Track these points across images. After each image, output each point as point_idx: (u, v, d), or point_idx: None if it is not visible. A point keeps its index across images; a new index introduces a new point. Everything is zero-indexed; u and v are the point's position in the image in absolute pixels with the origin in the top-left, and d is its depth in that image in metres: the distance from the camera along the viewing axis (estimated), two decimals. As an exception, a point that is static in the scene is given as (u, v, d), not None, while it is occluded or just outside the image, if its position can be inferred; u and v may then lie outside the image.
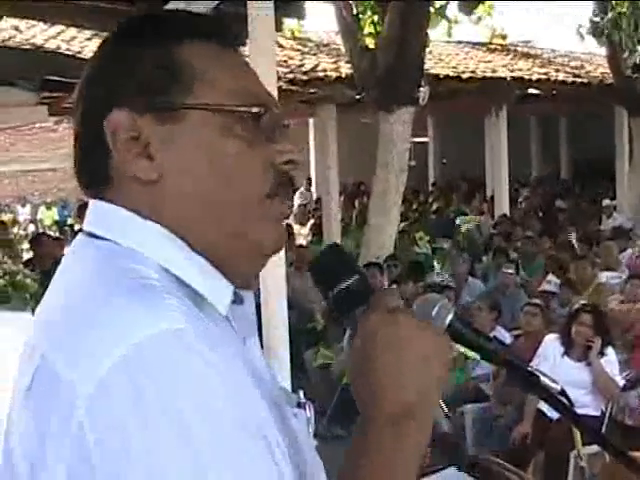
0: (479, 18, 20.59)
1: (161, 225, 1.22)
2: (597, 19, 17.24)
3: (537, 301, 9.10)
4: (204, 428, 1.05)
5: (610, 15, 16.61)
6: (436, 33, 16.71)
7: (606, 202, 19.80)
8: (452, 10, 16.20)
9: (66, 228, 23.46)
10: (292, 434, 1.26)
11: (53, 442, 1.06)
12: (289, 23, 15.52)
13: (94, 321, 1.09)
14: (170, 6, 7.55)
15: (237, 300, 1.29)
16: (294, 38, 18.94)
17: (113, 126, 1.22)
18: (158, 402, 1.04)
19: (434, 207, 22.31)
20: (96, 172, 1.26)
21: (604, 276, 10.89)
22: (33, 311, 7.90)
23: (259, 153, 1.25)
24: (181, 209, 1.22)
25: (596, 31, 17.07)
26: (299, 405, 1.37)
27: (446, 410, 1.33)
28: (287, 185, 1.30)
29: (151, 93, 1.23)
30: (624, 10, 16.54)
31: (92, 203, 1.30)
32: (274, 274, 6.01)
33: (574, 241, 12.13)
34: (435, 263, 13.14)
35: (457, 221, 18.64)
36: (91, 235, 1.26)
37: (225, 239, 1.24)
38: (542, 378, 1.37)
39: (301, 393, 1.41)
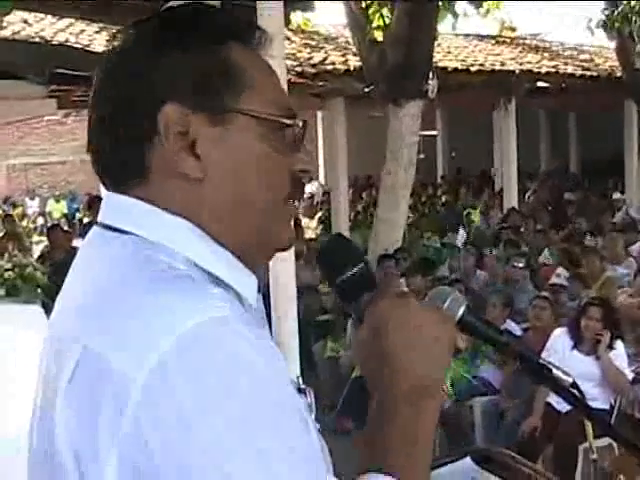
0: (487, 11, 20.51)
1: (189, 221, 1.25)
2: (607, 13, 17.19)
3: (546, 294, 9.09)
4: (263, 411, 1.08)
5: (620, 9, 16.56)
6: (444, 26, 16.64)
7: (616, 195, 19.76)
8: (461, 3, 16.15)
9: (75, 221, 23.49)
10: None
11: (105, 430, 1.07)
12: (297, 17, 15.51)
13: (140, 309, 1.12)
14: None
15: (259, 289, 1.34)
16: (302, 32, 18.92)
17: (166, 119, 1.23)
18: (217, 387, 1.06)
19: (443, 200, 22.31)
20: (131, 164, 1.26)
21: (613, 270, 10.87)
22: (43, 304, 7.92)
23: (284, 160, 1.32)
24: (217, 208, 1.26)
25: (607, 25, 17.02)
26: (299, 391, 1.39)
27: (445, 388, 1.38)
28: (300, 190, 1.40)
29: (205, 93, 1.25)
30: (634, 3, 16.49)
31: (108, 196, 1.32)
32: (283, 267, 6.03)
33: (592, 243, 12.02)
34: (445, 257, 13.09)
35: (465, 213, 18.64)
36: (110, 228, 1.27)
37: (250, 235, 1.30)
38: (554, 370, 1.37)
39: (300, 379, 1.44)
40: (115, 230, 1.26)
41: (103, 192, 1.36)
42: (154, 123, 1.23)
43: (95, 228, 1.32)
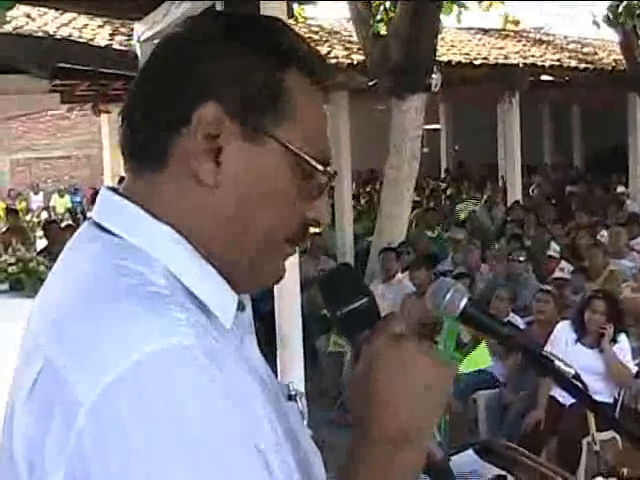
0: (490, 5, 20.50)
1: (176, 227, 1.22)
2: (612, 7, 17.16)
3: (549, 288, 9.10)
4: (206, 445, 1.05)
5: (625, 2, 16.53)
6: (447, 20, 16.64)
7: (620, 189, 19.75)
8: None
9: (79, 215, 23.51)
10: (290, 427, 1.29)
11: (54, 447, 1.05)
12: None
13: (102, 328, 1.08)
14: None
15: (239, 307, 1.30)
16: (307, 25, 18.91)
17: (203, 116, 1.21)
18: (162, 416, 1.03)
19: (448, 193, 22.30)
20: (153, 148, 1.24)
21: (617, 263, 10.86)
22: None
23: (301, 203, 1.29)
24: (217, 222, 1.24)
25: (611, 19, 17.00)
26: (290, 397, 1.39)
27: (439, 438, 1.33)
28: (305, 238, 1.36)
29: (250, 107, 1.23)
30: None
31: (103, 192, 1.30)
32: (288, 261, 6.02)
33: (604, 239, 11.97)
34: (448, 251, 13.09)
35: (459, 206, 18.65)
36: (98, 226, 1.26)
37: (239, 262, 1.27)
38: (556, 362, 1.37)
39: (291, 385, 1.42)
40: (102, 229, 1.25)
41: (101, 188, 1.34)
42: (189, 115, 1.21)
43: (87, 225, 1.30)
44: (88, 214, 21.62)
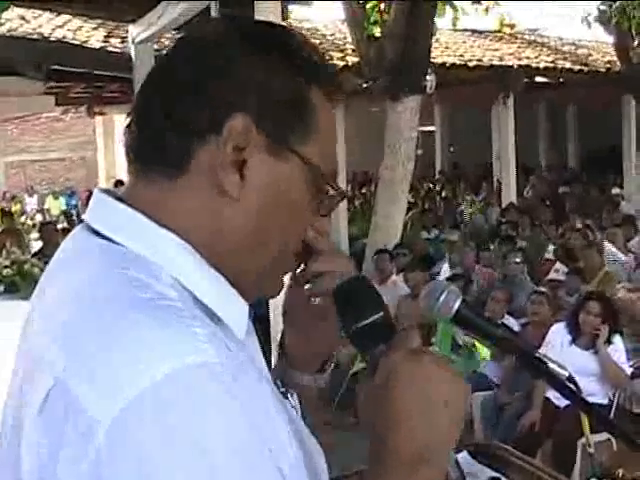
0: (486, 9, 20.51)
1: (185, 237, 1.19)
2: (605, 7, 17.18)
3: (543, 290, 9.12)
4: (229, 468, 1.01)
5: (618, 3, 16.55)
6: (442, 22, 16.65)
7: (615, 190, 19.77)
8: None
9: (74, 218, 23.49)
10: (296, 429, 1.26)
11: (67, 468, 1.01)
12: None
13: (117, 344, 1.03)
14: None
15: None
16: (300, 27, 18.92)
17: (234, 127, 1.18)
18: (183, 438, 1.00)
19: (443, 195, 22.33)
20: (175, 153, 1.20)
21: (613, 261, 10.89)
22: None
23: (310, 217, 1.30)
24: (233, 234, 1.22)
25: (604, 19, 17.02)
26: (283, 395, 1.37)
27: (455, 457, 1.30)
28: (307, 251, 1.35)
29: (279, 121, 1.22)
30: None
31: (98, 196, 1.26)
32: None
33: (610, 247, 11.96)
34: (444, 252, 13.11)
35: (462, 207, 18.68)
36: (95, 232, 1.21)
37: (250, 274, 1.25)
38: (550, 364, 1.36)
39: (279, 382, 1.40)
40: (101, 236, 1.20)
41: (95, 191, 1.29)
42: (220, 124, 1.18)
43: (81, 229, 1.25)
44: (83, 216, 21.62)
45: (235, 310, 1.22)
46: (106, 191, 1.27)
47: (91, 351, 1.04)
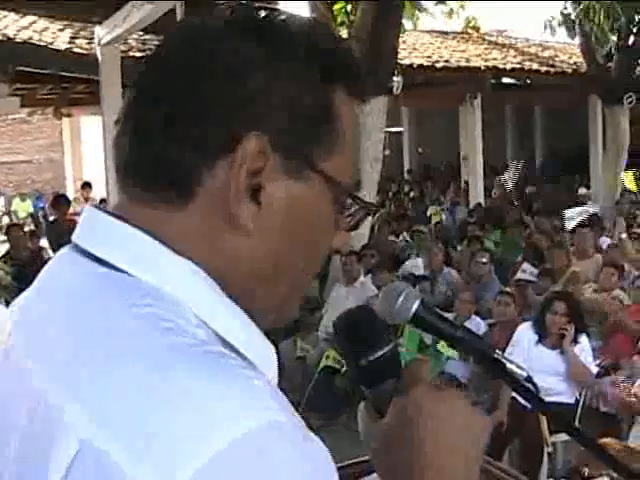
0: (450, 12, 20.58)
1: (202, 267, 1.02)
2: (567, 11, 17.27)
3: (509, 290, 9.16)
4: None
5: (582, 6, 16.64)
6: (409, 23, 16.69)
7: (582, 191, 19.89)
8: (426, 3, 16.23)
9: (41, 220, 23.34)
10: None
11: None
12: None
13: (167, 404, 0.86)
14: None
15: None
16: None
17: (248, 149, 1.01)
18: None
19: (411, 195, 22.38)
20: (179, 178, 1.02)
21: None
22: (7, 303, 7.87)
23: (332, 236, 1.14)
24: (248, 267, 1.05)
25: (567, 22, 17.10)
26: None
27: None
28: (323, 268, 1.25)
29: (298, 139, 1.04)
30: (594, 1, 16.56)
31: (93, 215, 1.08)
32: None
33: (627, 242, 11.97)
34: (412, 251, 13.15)
35: (429, 211, 18.74)
36: (91, 256, 1.03)
37: (264, 305, 1.09)
38: (508, 365, 1.36)
39: None
40: (99, 261, 1.02)
41: (86, 208, 1.11)
42: (232, 145, 1.00)
43: (69, 252, 1.08)
44: (50, 218, 21.49)
45: (264, 350, 1.06)
46: (103, 210, 1.08)
47: (134, 414, 0.86)
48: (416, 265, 11.66)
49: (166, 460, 0.83)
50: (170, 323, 0.93)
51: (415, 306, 1.34)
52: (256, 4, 1.17)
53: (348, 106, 1.09)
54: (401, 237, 14.96)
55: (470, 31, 24.96)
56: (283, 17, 1.10)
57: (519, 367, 1.38)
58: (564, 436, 6.30)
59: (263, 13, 1.10)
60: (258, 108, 1.02)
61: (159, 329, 0.92)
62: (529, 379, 1.38)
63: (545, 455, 6.37)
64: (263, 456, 0.84)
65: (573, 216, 11.74)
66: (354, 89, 1.11)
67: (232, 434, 0.83)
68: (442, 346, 8.18)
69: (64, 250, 1.09)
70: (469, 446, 1.14)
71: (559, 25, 17.32)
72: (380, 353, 1.23)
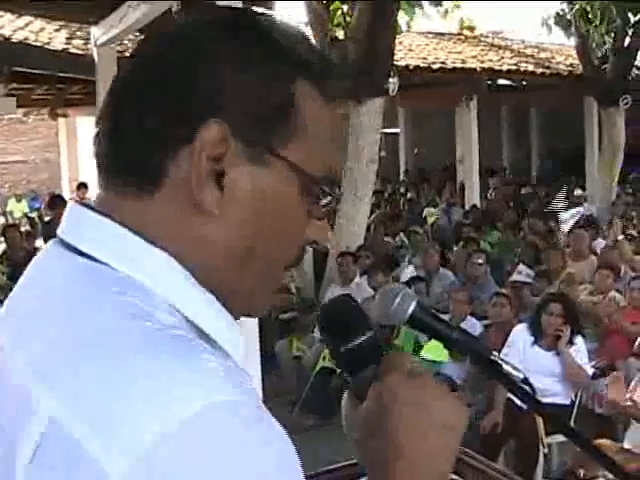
0: (446, 12, 20.59)
1: (173, 256, 1.07)
2: (563, 11, 17.28)
3: (504, 291, 9.17)
4: None
5: (577, 6, 16.66)
6: (404, 24, 16.71)
7: (578, 192, 19.91)
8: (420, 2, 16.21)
9: (36, 221, 23.32)
10: None
11: None
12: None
13: (125, 384, 0.90)
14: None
15: None
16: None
17: (207, 136, 1.06)
18: None
19: (407, 197, 22.38)
20: (147, 169, 1.08)
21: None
22: (2, 303, 7.86)
23: (305, 225, 1.18)
24: (216, 252, 1.10)
25: (563, 23, 17.12)
26: None
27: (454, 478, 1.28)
28: (300, 260, 1.26)
29: (257, 125, 1.09)
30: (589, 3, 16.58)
31: (75, 210, 1.14)
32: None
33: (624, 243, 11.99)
34: (407, 253, 13.16)
35: (424, 212, 18.74)
36: (74, 249, 1.08)
37: (238, 293, 1.14)
38: (504, 366, 1.37)
39: None
40: (81, 254, 1.07)
41: (71, 204, 1.16)
42: (191, 134, 1.06)
43: (54, 245, 1.13)
44: (46, 219, 21.47)
45: (231, 334, 1.10)
46: (83, 204, 1.14)
47: (95, 393, 0.91)
48: (409, 272, 11.63)
49: (122, 437, 0.87)
50: (138, 310, 0.99)
51: (412, 307, 1.35)
52: (251, 5, 1.21)
53: (313, 100, 1.14)
54: (397, 238, 14.96)
55: (465, 32, 25.01)
56: (254, 17, 1.16)
57: (515, 368, 1.38)
58: (559, 437, 6.32)
59: (234, 13, 1.18)
60: (218, 99, 1.07)
61: (127, 315, 0.98)
62: (525, 380, 1.38)
63: (541, 456, 6.38)
64: (214, 434, 0.89)
65: (567, 218, 11.75)
66: (320, 85, 1.16)
67: (185, 413, 0.88)
68: (429, 349, 8.19)
69: (49, 245, 1.14)
70: (444, 435, 1.16)
71: (555, 24, 17.34)
72: (359, 341, 1.25)
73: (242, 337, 1.12)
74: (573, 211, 12.13)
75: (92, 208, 1.12)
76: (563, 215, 12.04)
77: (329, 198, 1.20)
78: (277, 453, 0.95)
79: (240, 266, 1.12)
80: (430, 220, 17.73)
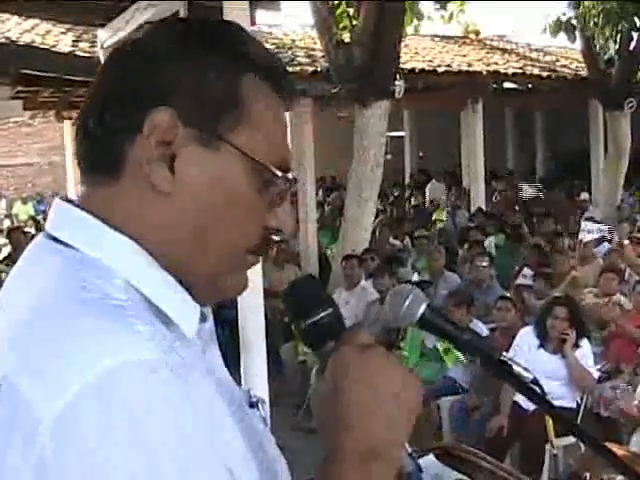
0: (450, 16, 20.54)
1: (136, 238, 1.19)
2: (566, 15, 17.24)
3: (509, 295, 9.16)
4: (171, 463, 1.01)
5: (580, 10, 16.62)
6: (409, 28, 16.68)
7: (583, 195, 19.87)
8: (424, 5, 16.19)
9: (42, 224, 23.33)
10: (256, 438, 1.25)
11: (13, 466, 1.01)
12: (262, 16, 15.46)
13: (61, 343, 1.04)
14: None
15: (201, 318, 1.26)
16: (269, 33, 18.90)
17: (155, 122, 1.18)
18: (124, 434, 1.00)
19: (413, 202, 22.33)
20: (107, 157, 1.21)
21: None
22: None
23: (262, 211, 1.26)
24: (171, 232, 1.21)
25: (566, 27, 17.08)
26: (251, 405, 1.35)
27: (410, 450, 1.30)
28: (267, 248, 1.32)
29: (203, 111, 1.20)
30: (591, 4, 16.52)
31: (57, 204, 1.26)
32: (250, 269, 6.01)
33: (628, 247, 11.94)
34: (410, 257, 13.14)
35: (434, 215, 18.71)
36: (55, 239, 1.21)
37: (200, 275, 1.24)
38: (514, 367, 1.37)
39: (252, 391, 1.38)
40: (59, 242, 1.20)
41: (55, 200, 1.29)
42: (142, 122, 1.18)
43: (41, 237, 1.25)
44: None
45: (185, 311, 1.21)
46: (66, 200, 1.27)
47: (37, 350, 1.05)
48: (411, 277, 11.61)
49: (51, 389, 1.01)
50: (87, 283, 1.12)
51: (422, 309, 1.36)
52: (256, 8, 1.34)
53: (263, 93, 1.26)
54: (406, 241, 14.93)
55: (470, 35, 24.96)
56: (210, 24, 1.29)
57: (525, 369, 1.39)
58: (565, 440, 6.31)
59: (199, 19, 1.31)
60: (166, 90, 1.19)
61: (76, 287, 1.12)
62: (535, 381, 1.39)
63: (550, 457, 6.37)
64: (128, 389, 1.02)
65: (591, 230, 11.69)
66: (265, 77, 1.26)
67: (101, 369, 1.01)
68: (444, 351, 8.20)
69: (38, 236, 1.27)
70: (392, 409, 1.21)
71: (553, 32, 17.29)
72: (318, 317, 1.31)
73: (196, 314, 1.22)
74: (597, 226, 12.05)
75: (72, 202, 1.26)
76: (588, 225, 11.95)
77: (284, 186, 1.28)
78: (193, 411, 1.06)
79: (198, 247, 1.22)
80: (439, 224, 17.68)
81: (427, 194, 21.24)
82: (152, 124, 1.18)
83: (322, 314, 1.31)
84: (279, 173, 1.25)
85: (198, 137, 1.20)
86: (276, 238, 1.32)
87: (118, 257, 1.17)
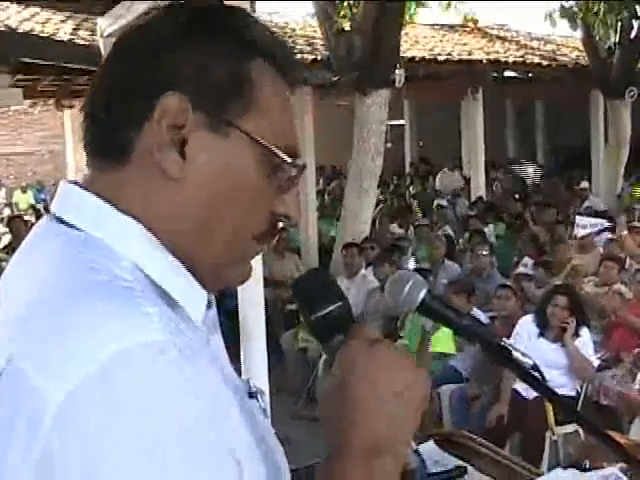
0: (448, 5, 20.51)
1: (143, 223, 1.19)
2: (568, 3, 17.21)
3: (509, 284, 9.16)
4: (178, 449, 1.01)
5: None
6: (407, 16, 16.66)
7: (583, 184, 19.87)
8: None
9: (42, 212, 23.32)
10: (258, 428, 1.24)
11: (19, 449, 1.00)
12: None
13: (68, 326, 1.03)
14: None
15: (207, 306, 1.26)
16: (270, 21, 18.88)
17: (165, 106, 1.18)
18: (131, 418, 0.99)
19: (412, 191, 22.33)
20: (115, 142, 1.21)
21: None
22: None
23: (269, 197, 1.26)
24: (179, 218, 1.20)
25: (568, 15, 17.05)
26: (250, 395, 1.34)
27: (415, 447, 1.29)
28: (273, 235, 1.31)
29: (213, 97, 1.20)
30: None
31: (64, 186, 1.26)
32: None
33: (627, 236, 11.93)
34: (411, 246, 13.13)
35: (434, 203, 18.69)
36: (60, 220, 1.21)
37: (207, 261, 1.23)
38: (514, 353, 1.37)
39: (251, 382, 1.37)
40: (64, 223, 1.20)
41: (61, 182, 1.29)
42: (152, 107, 1.18)
43: (46, 218, 1.25)
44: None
45: (192, 294, 1.21)
46: (73, 182, 1.26)
47: (43, 333, 1.04)
48: (411, 266, 11.60)
49: (57, 372, 1.00)
50: (95, 264, 1.12)
51: (422, 294, 1.36)
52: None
53: (271, 79, 1.26)
54: (409, 230, 14.92)
55: (468, 24, 24.90)
56: (222, 8, 1.29)
57: (525, 355, 1.39)
58: (565, 428, 6.33)
59: (197, 7, 1.29)
60: (175, 76, 1.19)
61: (83, 269, 1.11)
62: (535, 367, 1.39)
63: (550, 445, 6.38)
64: (137, 371, 1.01)
65: (585, 225, 11.65)
66: (273, 62, 1.27)
67: (109, 351, 1.00)
68: (436, 341, 8.20)
69: (43, 218, 1.27)
70: (396, 400, 1.21)
71: (561, 17, 17.26)
72: (328, 310, 1.30)
73: (203, 299, 1.23)
74: (594, 221, 12.00)
75: (77, 184, 1.25)
76: (582, 220, 11.91)
77: (293, 172, 1.28)
78: (201, 394, 1.06)
79: (205, 232, 1.21)
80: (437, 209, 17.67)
81: (437, 183, 21.12)
82: (163, 108, 1.17)
83: (332, 307, 1.30)
84: (288, 159, 1.25)
85: (208, 123, 1.19)
86: (282, 225, 1.32)
87: (123, 238, 1.17)
